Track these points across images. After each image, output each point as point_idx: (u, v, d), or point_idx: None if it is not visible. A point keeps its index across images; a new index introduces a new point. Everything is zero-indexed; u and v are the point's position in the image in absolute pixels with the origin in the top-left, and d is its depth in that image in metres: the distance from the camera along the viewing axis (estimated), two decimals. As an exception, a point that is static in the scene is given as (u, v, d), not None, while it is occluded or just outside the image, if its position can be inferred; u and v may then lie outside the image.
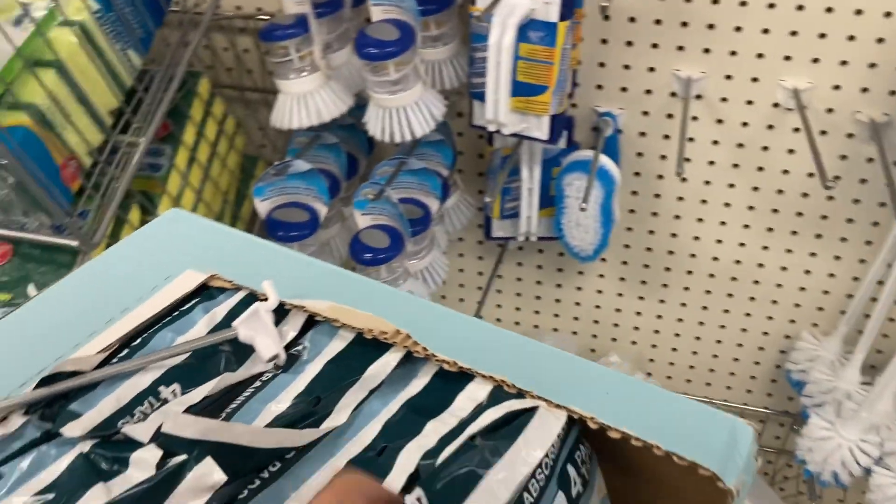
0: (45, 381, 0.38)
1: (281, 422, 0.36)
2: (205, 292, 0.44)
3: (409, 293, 0.86)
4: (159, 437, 0.34)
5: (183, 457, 0.33)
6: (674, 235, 1.04)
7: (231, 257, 0.47)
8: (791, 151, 0.92)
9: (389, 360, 0.38)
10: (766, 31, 0.84)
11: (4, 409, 0.37)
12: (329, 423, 0.36)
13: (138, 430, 0.35)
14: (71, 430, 0.36)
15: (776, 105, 0.88)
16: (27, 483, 0.34)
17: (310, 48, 0.80)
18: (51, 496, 0.33)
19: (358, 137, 0.97)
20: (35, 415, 0.37)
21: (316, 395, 0.37)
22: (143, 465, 0.34)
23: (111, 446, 0.35)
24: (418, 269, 0.90)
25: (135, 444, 0.34)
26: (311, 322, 0.42)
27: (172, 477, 0.33)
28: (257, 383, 0.38)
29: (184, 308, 0.43)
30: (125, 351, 0.40)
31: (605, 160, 0.88)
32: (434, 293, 1.19)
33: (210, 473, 0.33)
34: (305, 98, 0.82)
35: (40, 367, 0.40)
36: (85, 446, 0.35)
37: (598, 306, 1.17)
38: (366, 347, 0.40)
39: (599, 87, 0.94)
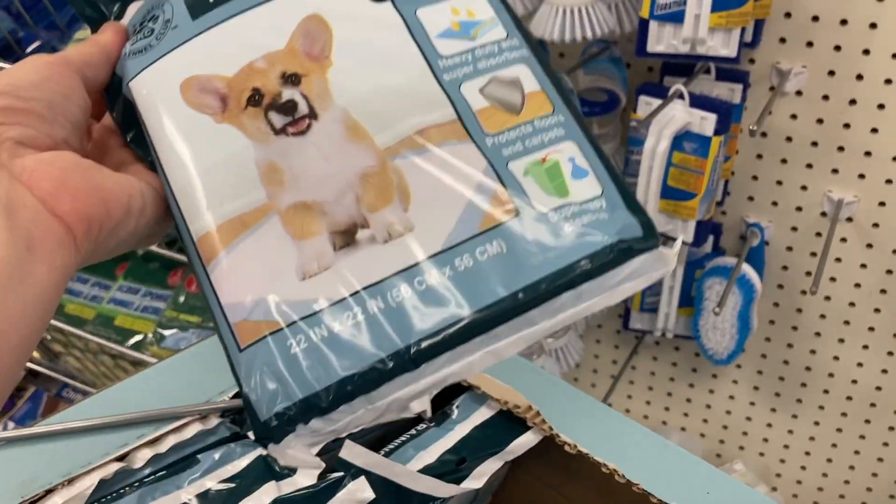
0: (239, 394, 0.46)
1: (428, 472, 0.42)
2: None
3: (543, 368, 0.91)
4: (337, 463, 0.41)
5: (340, 473, 0.41)
6: (812, 352, 1.04)
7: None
8: (944, 284, 0.91)
9: (530, 440, 0.44)
10: (925, 163, 0.85)
11: (205, 410, 0.46)
12: (467, 485, 0.42)
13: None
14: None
15: (931, 236, 0.89)
16: (216, 471, 0.42)
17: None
18: (233, 485, 0.41)
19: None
20: (228, 418, 0.46)
21: (462, 456, 0.43)
22: (308, 473, 0.41)
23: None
24: (553, 347, 0.95)
25: None
26: (459, 386, 0.49)
27: (331, 488, 0.40)
28: (413, 431, 0.45)
29: None
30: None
31: (747, 269, 0.91)
32: (566, 374, 1.23)
33: (362, 490, 0.40)
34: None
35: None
36: (264, 450, 0.43)
37: (728, 411, 1.17)
38: (511, 422, 0.46)
39: (751, 198, 0.97)
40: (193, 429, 0.45)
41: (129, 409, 0.46)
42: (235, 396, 0.46)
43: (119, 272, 0.98)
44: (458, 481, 0.42)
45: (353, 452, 0.41)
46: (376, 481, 0.40)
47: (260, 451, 0.43)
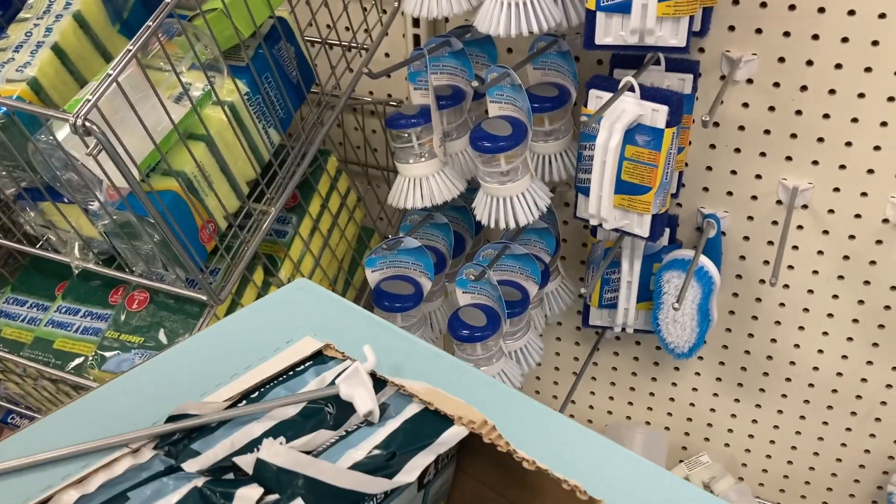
0: (172, 419, 0.44)
1: (358, 468, 0.41)
2: (318, 357, 0.49)
3: (502, 374, 0.89)
4: (257, 466, 0.40)
5: (276, 496, 0.38)
6: (773, 341, 1.03)
7: (346, 328, 0.52)
8: (900, 268, 0.91)
9: (460, 431, 0.43)
10: (877, 147, 0.85)
11: (137, 439, 0.43)
12: (400, 479, 0.40)
13: (244, 460, 0.41)
14: (190, 466, 0.41)
15: (885, 221, 0.88)
16: None
17: (429, 136, 0.86)
18: None
19: (467, 219, 1.03)
20: (162, 450, 0.43)
21: (392, 451, 0.42)
22: (245, 499, 0.39)
23: (221, 483, 0.40)
24: (513, 349, 0.93)
25: (240, 483, 0.39)
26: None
27: None
28: (343, 432, 0.44)
29: (298, 369, 0.48)
30: (244, 402, 0.45)
31: (705, 261, 0.90)
32: (528, 374, 1.22)
33: None
34: (421, 181, 0.88)
35: (172, 411, 0.45)
36: (199, 481, 0.40)
37: (692, 404, 1.16)
38: (440, 414, 0.45)
39: (706, 189, 0.96)
40: (125, 464, 0.42)
41: (59, 444, 0.43)
42: (169, 421, 0.43)
43: (58, 291, 0.93)
44: (389, 476, 0.41)
45: (272, 452, 0.39)
46: (314, 497, 0.38)
47: (195, 484, 0.40)
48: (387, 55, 1.07)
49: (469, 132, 0.86)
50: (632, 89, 0.77)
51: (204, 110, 0.78)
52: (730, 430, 1.15)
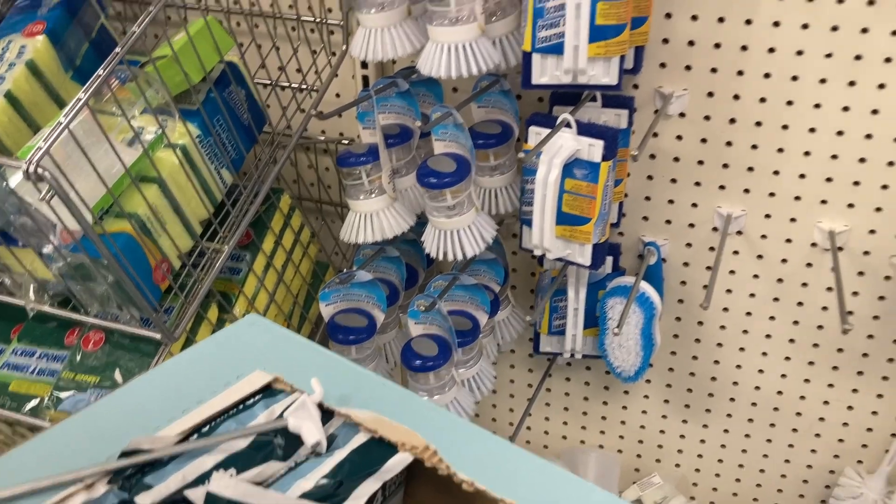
0: (125, 454, 0.45)
1: (306, 498, 0.43)
2: (268, 391, 0.52)
3: (455, 402, 0.91)
4: (207, 499, 0.41)
5: None
6: (716, 362, 1.07)
7: (296, 362, 0.55)
8: (830, 289, 0.96)
9: (405, 458, 0.45)
10: (802, 175, 0.90)
11: (91, 475, 0.44)
12: None
13: (195, 493, 0.42)
14: (142, 499, 0.43)
15: (814, 245, 0.93)
16: None
17: (379, 173, 0.89)
18: None
19: (419, 251, 1.05)
20: (115, 485, 0.44)
21: (339, 479, 0.44)
22: None
23: (174, 516, 0.42)
24: (466, 377, 0.95)
25: None
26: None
27: None
28: (292, 463, 0.46)
29: (248, 403, 0.50)
30: (195, 436, 0.47)
31: (646, 287, 0.93)
32: (482, 402, 1.24)
33: None
34: (371, 217, 0.91)
35: (125, 446, 0.47)
36: (151, 516, 0.42)
37: (642, 426, 1.19)
38: (386, 443, 0.47)
39: (645, 218, 1.00)
40: (78, 500, 0.43)
41: (13, 482, 0.44)
42: (122, 456, 0.45)
43: (14, 334, 0.94)
44: None
45: (221, 484, 0.41)
46: None
47: (147, 518, 0.41)
48: (337, 95, 1.11)
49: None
50: (569, 125, 0.80)
51: (156, 153, 0.80)
52: (679, 451, 1.19)
